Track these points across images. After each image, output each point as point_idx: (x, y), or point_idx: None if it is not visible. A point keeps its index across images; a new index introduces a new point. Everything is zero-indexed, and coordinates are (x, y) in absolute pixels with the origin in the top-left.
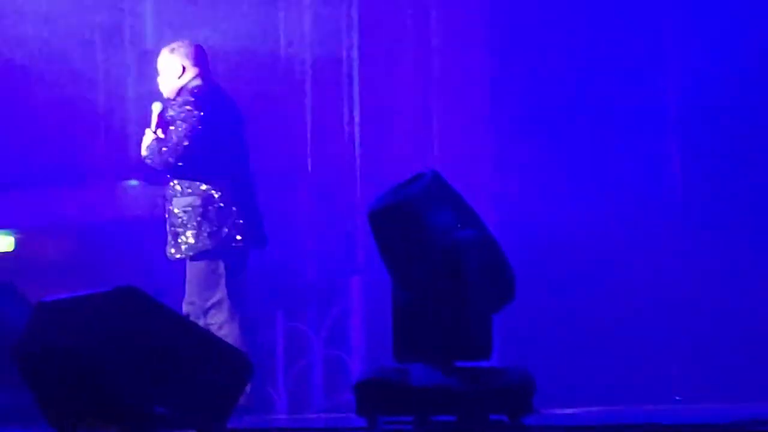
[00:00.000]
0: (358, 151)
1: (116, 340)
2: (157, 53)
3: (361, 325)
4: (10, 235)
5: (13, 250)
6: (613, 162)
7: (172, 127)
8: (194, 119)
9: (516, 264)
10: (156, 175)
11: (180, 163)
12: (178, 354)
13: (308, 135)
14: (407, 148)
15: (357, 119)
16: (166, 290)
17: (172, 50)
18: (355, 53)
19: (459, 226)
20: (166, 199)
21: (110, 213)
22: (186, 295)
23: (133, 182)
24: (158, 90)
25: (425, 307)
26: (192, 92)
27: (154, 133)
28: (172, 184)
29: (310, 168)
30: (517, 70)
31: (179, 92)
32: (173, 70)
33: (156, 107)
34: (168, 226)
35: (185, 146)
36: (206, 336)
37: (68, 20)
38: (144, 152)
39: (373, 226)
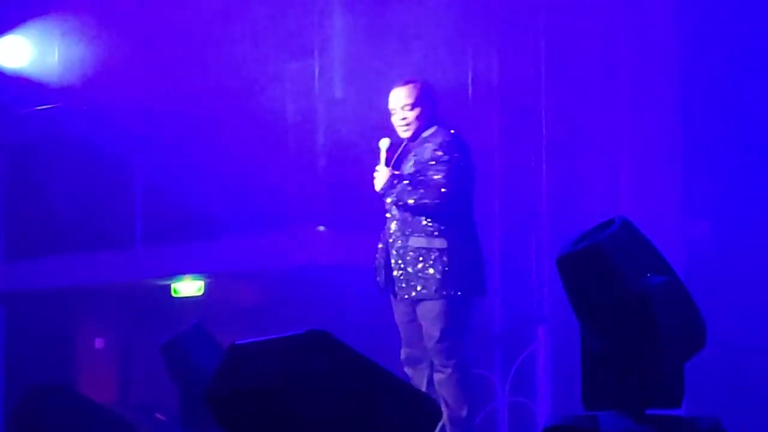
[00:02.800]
0: (545, 197)
1: (307, 383)
2: (345, 101)
3: (546, 372)
4: (199, 279)
5: (202, 295)
6: None
7: (431, 172)
8: (452, 163)
9: (705, 311)
10: (343, 220)
11: (437, 201)
12: (367, 398)
13: (495, 180)
14: (595, 193)
15: (544, 166)
16: (355, 334)
17: (404, 87)
18: (542, 98)
19: (649, 272)
20: (395, 237)
21: (298, 259)
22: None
23: (321, 228)
24: (355, 131)
25: (616, 353)
26: (443, 135)
27: (396, 173)
28: (410, 220)
29: (497, 212)
30: (712, 108)
31: (416, 132)
32: (407, 108)
33: (384, 143)
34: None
35: (443, 191)
36: (395, 380)
37: (262, 67)
38: (379, 189)
39: (562, 272)
